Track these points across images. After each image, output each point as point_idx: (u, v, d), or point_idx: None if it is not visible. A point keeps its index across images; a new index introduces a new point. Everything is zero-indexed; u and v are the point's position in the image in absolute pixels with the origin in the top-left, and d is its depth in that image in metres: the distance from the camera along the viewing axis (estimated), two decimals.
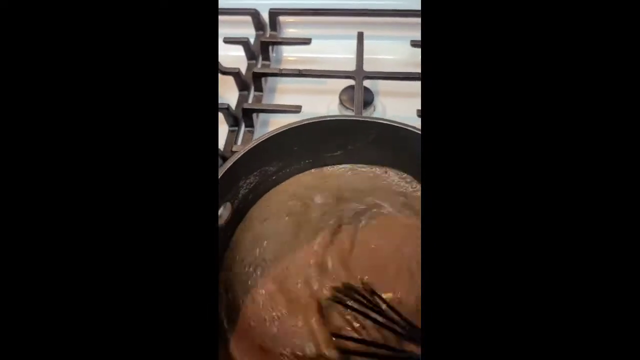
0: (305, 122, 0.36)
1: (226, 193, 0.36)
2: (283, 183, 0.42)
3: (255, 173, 0.38)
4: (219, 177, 0.33)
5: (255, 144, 0.35)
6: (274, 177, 0.40)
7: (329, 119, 0.37)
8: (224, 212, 0.37)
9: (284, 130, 0.36)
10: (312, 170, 0.42)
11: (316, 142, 0.39)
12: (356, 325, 0.34)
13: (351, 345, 0.32)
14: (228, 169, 0.34)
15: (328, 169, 0.42)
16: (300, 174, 0.42)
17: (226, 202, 0.37)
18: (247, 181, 0.38)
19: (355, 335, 0.33)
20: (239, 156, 0.34)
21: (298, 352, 0.33)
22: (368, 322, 0.33)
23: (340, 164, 0.42)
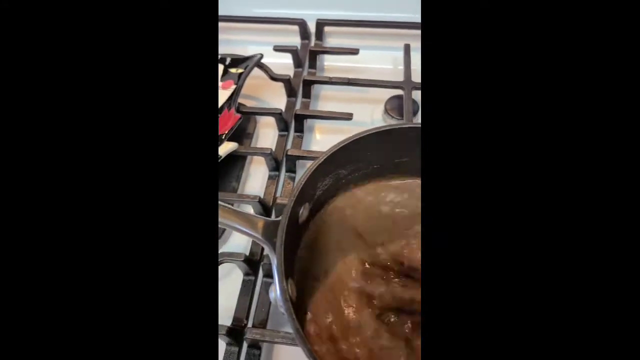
0: (387, 128, 0.38)
1: (307, 194, 0.38)
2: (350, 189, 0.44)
3: (330, 175, 0.40)
4: (307, 178, 0.35)
5: (337, 148, 0.37)
6: (343, 181, 0.42)
7: (407, 126, 0.39)
8: (303, 212, 0.38)
9: (365, 135, 0.38)
10: (378, 176, 0.44)
11: (387, 147, 0.41)
12: None
13: None
14: (315, 169, 0.36)
15: (392, 176, 0.44)
16: (367, 179, 0.44)
17: (305, 202, 0.38)
18: (324, 183, 0.40)
19: None
20: (324, 158, 0.36)
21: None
22: None
23: (406, 170, 0.44)
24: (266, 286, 0.45)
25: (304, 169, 0.37)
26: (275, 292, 0.31)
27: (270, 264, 0.44)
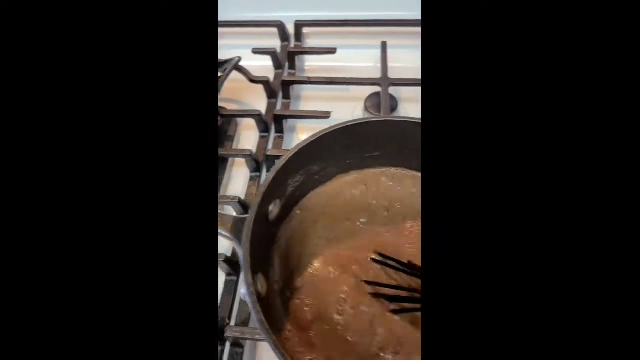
0: (349, 124, 0.39)
1: (276, 191, 0.38)
2: (325, 183, 0.44)
3: (300, 172, 0.41)
4: (273, 177, 0.36)
5: (302, 146, 0.38)
6: (316, 177, 0.43)
7: (371, 120, 0.39)
8: (273, 209, 0.39)
9: (327, 132, 0.38)
10: (351, 171, 0.45)
11: (357, 143, 0.41)
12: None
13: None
14: (280, 168, 0.36)
15: (365, 171, 0.45)
16: (341, 174, 0.44)
17: (276, 199, 0.39)
18: (294, 180, 0.41)
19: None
20: (289, 157, 0.37)
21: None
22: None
23: (378, 165, 0.44)
24: None
25: None
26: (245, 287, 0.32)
27: None
